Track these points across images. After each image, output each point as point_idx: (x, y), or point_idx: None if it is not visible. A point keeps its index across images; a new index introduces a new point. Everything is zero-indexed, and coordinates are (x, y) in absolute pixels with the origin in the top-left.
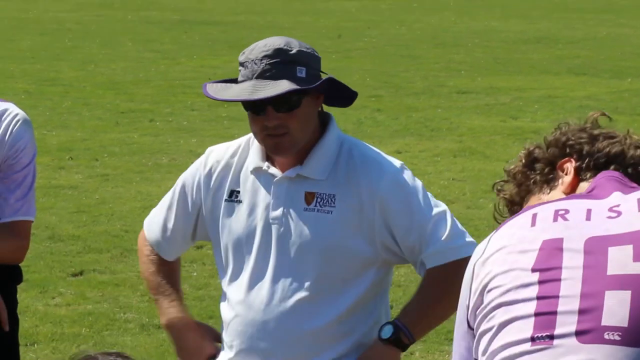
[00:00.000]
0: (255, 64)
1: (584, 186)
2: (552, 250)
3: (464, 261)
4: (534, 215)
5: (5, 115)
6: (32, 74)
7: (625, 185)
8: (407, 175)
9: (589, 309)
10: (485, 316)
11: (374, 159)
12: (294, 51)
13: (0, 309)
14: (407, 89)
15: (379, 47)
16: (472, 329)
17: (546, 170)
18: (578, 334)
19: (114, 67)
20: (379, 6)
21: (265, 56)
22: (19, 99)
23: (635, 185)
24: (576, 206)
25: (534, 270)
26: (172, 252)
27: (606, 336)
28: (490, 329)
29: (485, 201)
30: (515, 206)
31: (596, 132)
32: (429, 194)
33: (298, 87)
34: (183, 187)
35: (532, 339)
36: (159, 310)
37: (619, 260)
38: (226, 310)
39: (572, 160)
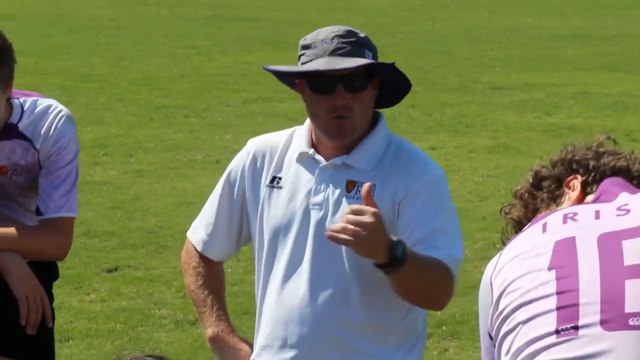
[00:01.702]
0: (326, 42)
1: (590, 199)
2: (565, 248)
3: (452, 274)
4: (544, 224)
5: (49, 111)
6: (66, 70)
7: (630, 188)
8: (446, 185)
9: (611, 299)
10: (504, 319)
11: (422, 158)
12: (362, 35)
13: (44, 305)
14: (441, 85)
15: (413, 44)
16: (492, 339)
17: (553, 187)
18: (602, 322)
19: (149, 63)
20: (411, 3)
21: (337, 36)
22: (54, 95)
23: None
24: (584, 209)
25: (550, 268)
26: (216, 249)
27: (631, 322)
28: (512, 330)
29: None
30: (522, 227)
31: (602, 149)
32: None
33: (376, 61)
34: (228, 178)
35: (557, 332)
36: (203, 324)
37: (634, 251)
38: (263, 299)
39: (578, 176)
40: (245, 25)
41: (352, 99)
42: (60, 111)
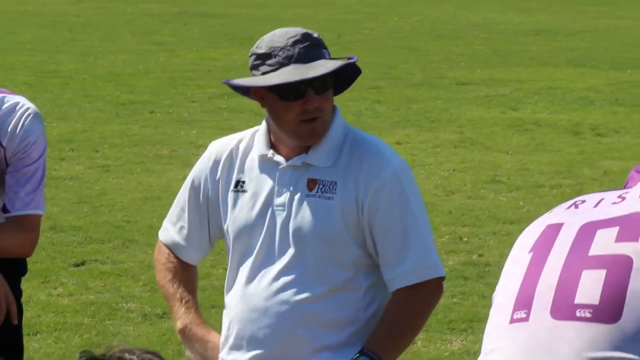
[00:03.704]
0: (288, 50)
1: None
2: (550, 234)
3: (438, 281)
4: (560, 206)
5: (16, 109)
6: (32, 66)
7: None
8: (409, 173)
9: (565, 288)
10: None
11: (379, 149)
12: (316, 35)
13: (9, 303)
14: (407, 81)
15: (378, 40)
16: None
17: None
18: (552, 311)
19: (114, 60)
20: None
21: (296, 41)
22: (19, 90)
23: None
24: (592, 197)
25: (530, 251)
26: (191, 253)
27: (578, 313)
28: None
29: (486, 192)
30: None
31: None
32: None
33: (346, 62)
34: (192, 184)
35: (512, 317)
36: (173, 317)
37: (602, 242)
38: (230, 297)
39: None
40: (211, 22)
41: (322, 100)
42: (28, 109)
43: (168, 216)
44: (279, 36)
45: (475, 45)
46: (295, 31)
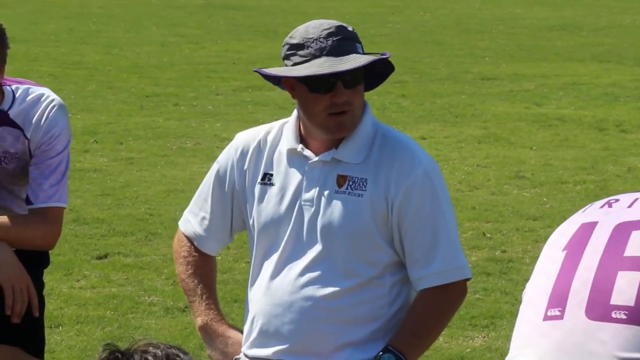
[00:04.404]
0: (321, 42)
1: None
2: (584, 232)
3: (464, 283)
4: (593, 204)
5: (41, 100)
6: (56, 58)
7: None
8: (438, 172)
9: (601, 288)
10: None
11: (409, 147)
12: (350, 29)
13: (31, 295)
14: (432, 75)
15: (403, 33)
16: None
17: None
18: (587, 311)
19: (139, 51)
20: None
21: (330, 34)
22: (44, 82)
23: None
24: (627, 196)
25: (564, 249)
26: (211, 244)
27: (613, 315)
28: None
29: (509, 187)
30: None
31: None
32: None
33: (377, 57)
34: (217, 174)
35: (545, 313)
36: (193, 313)
37: (637, 243)
38: (254, 292)
39: None
40: (236, 14)
41: (351, 94)
42: (53, 100)
43: (190, 207)
44: (313, 27)
45: (500, 40)
46: (330, 23)
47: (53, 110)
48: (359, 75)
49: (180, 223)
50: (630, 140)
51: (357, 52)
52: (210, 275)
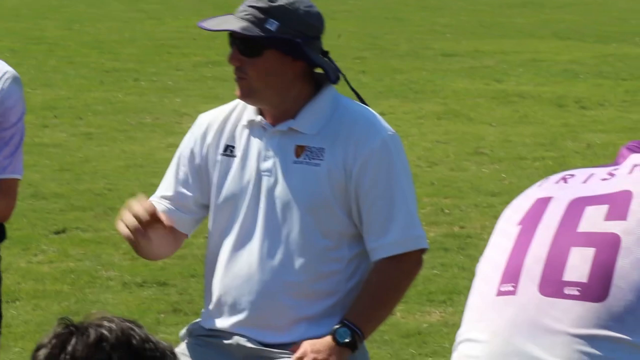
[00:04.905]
0: (244, 4)
1: None
2: (539, 207)
3: (421, 253)
4: (548, 179)
5: None
6: (17, 32)
7: None
8: (398, 143)
9: (554, 264)
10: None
11: (368, 118)
12: (276, 3)
13: None
14: (392, 51)
15: (364, 9)
16: None
17: None
18: (540, 287)
19: (99, 27)
20: None
21: (251, 0)
22: (4, 57)
23: None
24: (582, 171)
25: (519, 223)
26: (182, 221)
27: (566, 291)
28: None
29: (468, 163)
30: None
31: None
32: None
33: (240, 30)
34: (182, 153)
35: (499, 289)
36: None
37: (591, 219)
38: (213, 264)
39: None
40: None
41: (247, 63)
42: (6, 72)
43: (159, 187)
44: None
45: (461, 17)
46: None
47: (7, 83)
48: (254, 48)
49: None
50: (589, 117)
51: (262, 26)
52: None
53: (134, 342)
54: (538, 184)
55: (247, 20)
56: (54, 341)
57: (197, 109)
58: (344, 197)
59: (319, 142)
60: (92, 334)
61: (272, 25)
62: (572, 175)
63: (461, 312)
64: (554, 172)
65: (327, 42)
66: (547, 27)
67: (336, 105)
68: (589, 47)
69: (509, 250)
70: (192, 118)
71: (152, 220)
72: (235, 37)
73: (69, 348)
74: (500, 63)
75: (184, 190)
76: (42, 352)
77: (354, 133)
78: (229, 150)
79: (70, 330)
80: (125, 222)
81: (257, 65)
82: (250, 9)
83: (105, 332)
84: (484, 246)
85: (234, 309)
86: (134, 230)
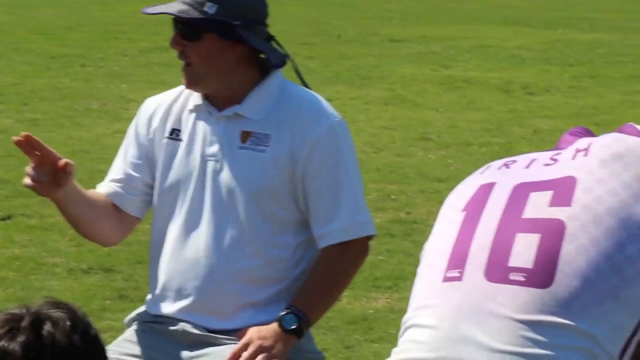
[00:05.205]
0: None
1: None
2: (482, 193)
3: (368, 239)
4: (490, 166)
5: None
6: None
7: (589, 135)
8: (345, 129)
9: (499, 250)
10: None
11: (315, 104)
12: None
13: None
14: (339, 37)
15: None
16: None
17: None
18: (486, 272)
19: (46, 12)
20: None
21: None
22: None
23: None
24: (523, 157)
25: (463, 210)
26: (133, 204)
27: (511, 277)
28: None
29: (415, 149)
30: None
31: None
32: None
33: (177, 13)
34: (129, 138)
35: (445, 275)
36: None
37: (535, 205)
38: (158, 250)
39: None
40: None
41: (189, 47)
42: None
43: (108, 174)
44: None
45: (408, 2)
46: None
47: None
48: (194, 32)
49: (99, 187)
50: (536, 103)
51: (201, 9)
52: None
53: (91, 330)
54: (480, 170)
55: (187, 3)
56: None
57: (143, 94)
58: (290, 183)
59: (265, 128)
60: (59, 319)
61: (211, 9)
62: (514, 161)
63: (407, 298)
64: (501, 157)
65: (274, 27)
66: (495, 13)
67: (282, 90)
68: (536, 33)
69: (454, 236)
70: (139, 104)
71: (30, 143)
72: (177, 22)
73: (45, 333)
74: (447, 49)
75: (133, 172)
76: (20, 339)
77: (301, 119)
78: (175, 134)
79: (35, 316)
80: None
81: (198, 49)
82: None
83: (69, 316)
84: (430, 232)
85: (179, 295)
86: (30, 174)
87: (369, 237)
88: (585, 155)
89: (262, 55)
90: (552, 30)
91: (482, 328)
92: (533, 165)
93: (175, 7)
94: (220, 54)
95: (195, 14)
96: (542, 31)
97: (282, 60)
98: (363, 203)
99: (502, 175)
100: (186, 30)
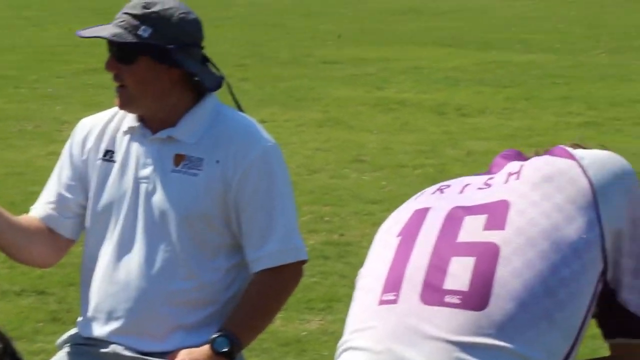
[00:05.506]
0: (121, 11)
1: None
2: (417, 218)
3: (301, 264)
4: (422, 192)
5: None
6: None
7: (522, 158)
8: (278, 154)
9: (435, 273)
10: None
11: (249, 128)
12: (150, 10)
13: None
14: (274, 59)
15: (247, 16)
16: None
17: None
18: (422, 295)
19: None
20: None
21: (129, 6)
22: None
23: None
24: (457, 181)
25: (398, 235)
26: (66, 226)
27: (447, 299)
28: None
29: (349, 171)
30: None
31: None
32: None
33: (111, 37)
34: (63, 159)
35: (381, 298)
36: None
37: (470, 229)
38: (90, 272)
39: None
40: None
41: (124, 70)
42: None
43: (41, 195)
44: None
45: (343, 24)
46: (145, 0)
47: None
48: (129, 55)
49: (33, 209)
50: (469, 124)
51: (135, 33)
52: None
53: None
54: (415, 196)
55: (122, 27)
56: None
57: (78, 116)
58: (223, 207)
59: (198, 152)
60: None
61: (145, 32)
62: (448, 186)
63: (341, 320)
64: (435, 179)
65: (209, 49)
66: (429, 35)
67: (217, 114)
68: (470, 54)
69: (389, 260)
70: (73, 125)
71: None
72: (112, 45)
73: None
74: (381, 71)
75: (66, 194)
76: None
77: (234, 143)
78: (108, 155)
79: None
80: None
81: (132, 72)
82: (125, 15)
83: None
84: (364, 254)
85: (110, 317)
86: None
87: (302, 262)
88: (517, 178)
89: (197, 79)
90: (486, 52)
91: (418, 350)
92: (467, 190)
93: (109, 31)
94: (155, 77)
95: (129, 38)
96: (476, 53)
97: (217, 83)
98: (296, 228)
99: (436, 200)
100: (121, 53)
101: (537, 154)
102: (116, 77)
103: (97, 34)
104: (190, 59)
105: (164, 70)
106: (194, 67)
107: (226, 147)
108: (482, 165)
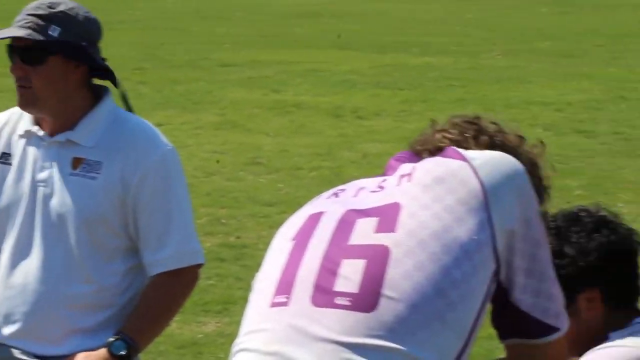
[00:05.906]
0: (23, 14)
1: None
2: (311, 222)
3: (197, 268)
4: (319, 197)
5: None
6: None
7: (414, 159)
8: (176, 158)
9: (326, 276)
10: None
11: (147, 132)
12: (56, 9)
13: None
14: (171, 62)
15: (144, 20)
16: None
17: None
18: (313, 297)
19: None
20: None
21: (32, 7)
22: None
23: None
24: (352, 185)
25: (292, 239)
26: None
27: (337, 301)
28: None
29: (245, 174)
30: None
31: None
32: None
33: (24, 35)
34: None
35: (272, 300)
36: None
37: (361, 232)
38: None
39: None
40: None
41: (31, 71)
42: None
43: None
44: (35, 2)
45: (240, 27)
46: (45, 2)
47: None
48: (38, 56)
49: None
50: (365, 127)
51: (45, 33)
52: None
53: None
54: (310, 202)
55: (29, 28)
56: None
57: None
58: (120, 211)
59: (96, 155)
60: None
61: (55, 31)
62: (343, 190)
63: (237, 323)
64: (330, 181)
65: (106, 52)
66: (326, 38)
67: (115, 117)
68: (367, 57)
69: (283, 264)
70: None
71: None
72: (16, 47)
73: None
74: (279, 73)
75: None
76: None
77: (133, 147)
78: (4, 157)
79: None
80: None
81: (42, 73)
82: (30, 17)
83: None
84: (260, 256)
85: (8, 321)
86: None
87: (199, 266)
88: (409, 180)
89: (95, 82)
90: (383, 55)
91: (307, 351)
92: (361, 193)
93: (19, 32)
94: (63, 76)
95: (39, 37)
96: (372, 55)
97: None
98: (193, 231)
99: (331, 204)
100: (29, 55)
101: (430, 153)
102: (23, 79)
103: (6, 34)
104: (98, 56)
105: (72, 70)
106: (103, 63)
107: (125, 151)
108: (378, 167)
